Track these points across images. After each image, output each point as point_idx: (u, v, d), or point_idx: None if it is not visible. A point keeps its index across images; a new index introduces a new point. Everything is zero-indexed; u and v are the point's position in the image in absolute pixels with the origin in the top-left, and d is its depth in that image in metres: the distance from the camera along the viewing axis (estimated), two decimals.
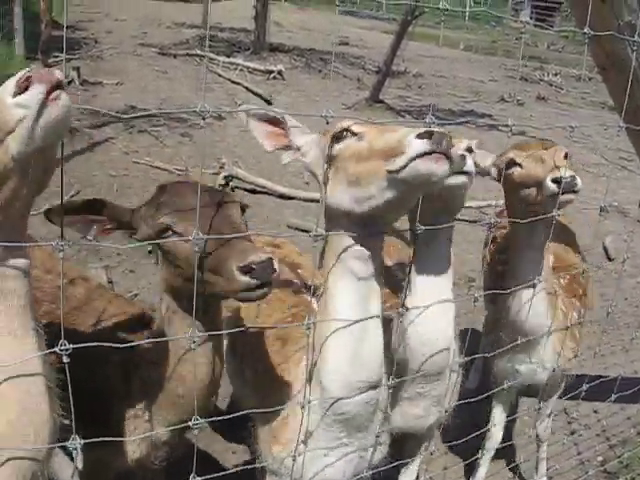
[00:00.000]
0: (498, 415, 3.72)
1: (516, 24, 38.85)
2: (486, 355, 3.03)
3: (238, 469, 2.32)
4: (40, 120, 1.43)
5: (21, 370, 1.62)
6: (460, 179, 2.37)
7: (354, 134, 1.96)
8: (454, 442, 3.05)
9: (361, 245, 1.99)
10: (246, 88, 14.81)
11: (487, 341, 3.65)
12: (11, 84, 1.42)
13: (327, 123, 1.94)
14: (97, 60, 16.12)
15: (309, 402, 2.12)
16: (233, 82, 15.21)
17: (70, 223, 2.02)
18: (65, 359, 1.63)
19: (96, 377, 2.36)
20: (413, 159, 1.71)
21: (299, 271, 3.08)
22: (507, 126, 2.33)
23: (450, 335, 2.58)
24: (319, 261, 2.17)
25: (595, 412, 4.89)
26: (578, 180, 2.66)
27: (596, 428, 4.73)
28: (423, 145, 1.71)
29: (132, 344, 2.07)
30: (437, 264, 2.52)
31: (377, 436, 2.30)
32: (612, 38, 2.68)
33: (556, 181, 2.65)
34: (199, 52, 18.07)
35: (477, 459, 3.73)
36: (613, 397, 3.57)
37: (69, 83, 12.84)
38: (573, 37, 37.70)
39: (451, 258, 2.56)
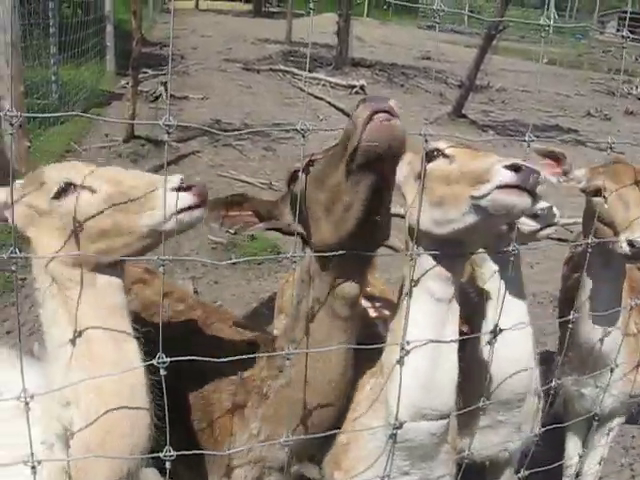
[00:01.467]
0: (572, 445, 3.54)
1: (602, 37, 37.98)
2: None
3: None
4: (178, 215, 1.71)
5: (125, 372, 1.77)
6: (547, 231, 2.47)
7: (445, 156, 1.95)
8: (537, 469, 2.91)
9: (441, 266, 1.97)
10: (328, 103, 14.89)
11: (557, 361, 3.51)
12: (175, 180, 1.73)
13: (426, 141, 1.92)
14: (183, 76, 16.51)
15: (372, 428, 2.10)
16: (316, 97, 15.32)
17: (217, 218, 2.13)
18: (162, 372, 1.71)
19: (207, 395, 2.35)
20: (496, 188, 1.71)
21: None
22: (606, 144, 2.29)
23: (530, 361, 2.50)
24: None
25: None
26: None
27: None
28: (509, 176, 1.70)
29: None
30: (516, 287, 2.47)
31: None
32: None
33: (631, 244, 2.52)
34: (282, 67, 18.30)
35: None
36: None
37: (157, 98, 13.20)
38: None
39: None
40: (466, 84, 15.00)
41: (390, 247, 4.55)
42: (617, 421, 3.42)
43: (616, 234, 2.59)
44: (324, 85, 16.56)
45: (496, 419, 2.61)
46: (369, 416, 2.14)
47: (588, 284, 2.85)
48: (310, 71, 18.00)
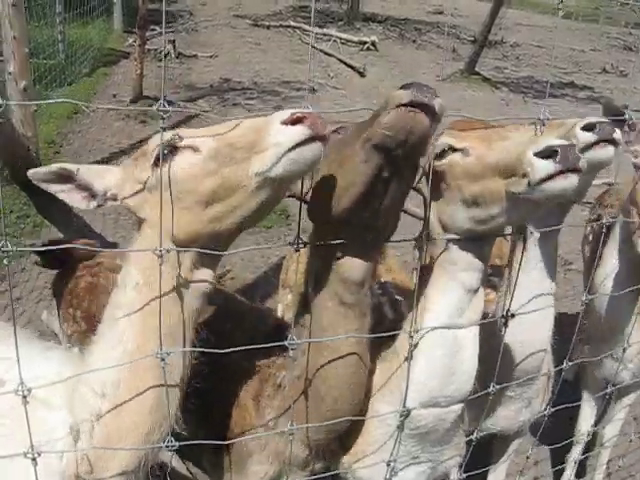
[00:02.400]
0: (587, 411, 3.52)
1: None
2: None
3: (312, 478, 2.20)
4: (290, 154, 1.51)
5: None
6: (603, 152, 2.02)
7: (456, 150, 1.83)
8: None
9: (473, 256, 1.88)
10: (339, 60, 14.68)
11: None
12: (284, 114, 1.53)
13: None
14: (192, 33, 16.29)
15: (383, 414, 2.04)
16: (326, 54, 15.11)
17: None
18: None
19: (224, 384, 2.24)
20: (540, 182, 1.59)
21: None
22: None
23: (548, 341, 2.41)
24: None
25: None
26: None
27: None
28: (549, 166, 1.57)
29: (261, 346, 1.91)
30: (546, 265, 2.31)
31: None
32: None
33: None
34: (292, 23, 18.02)
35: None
36: None
37: (165, 56, 13.04)
38: None
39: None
40: (479, 39, 14.72)
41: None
42: (634, 395, 3.43)
43: None
44: (335, 41, 16.30)
45: (506, 394, 2.55)
46: (379, 400, 2.07)
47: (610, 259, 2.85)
48: (321, 27, 17.71)
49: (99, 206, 1.71)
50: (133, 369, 1.66)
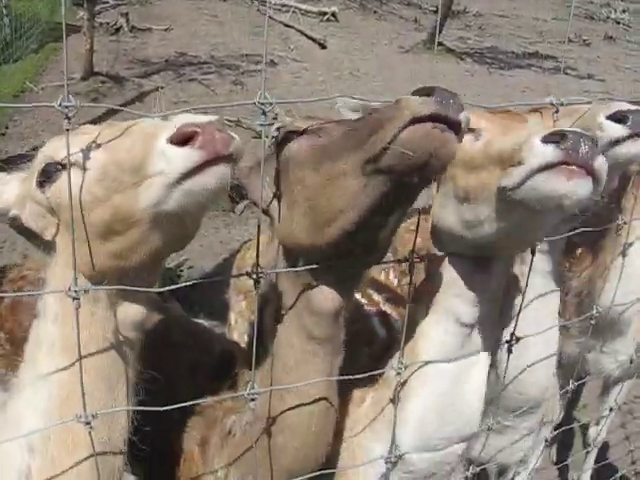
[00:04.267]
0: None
1: None
2: None
3: None
4: (182, 185, 1.13)
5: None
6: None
7: (471, 130, 1.42)
8: None
9: (470, 282, 1.54)
10: (299, 31, 14.28)
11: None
12: (173, 126, 1.14)
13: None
14: (146, 5, 15.70)
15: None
16: (286, 25, 14.68)
17: None
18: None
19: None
20: (534, 173, 1.23)
21: None
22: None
23: (552, 370, 2.09)
24: None
25: None
26: None
27: None
28: (550, 153, 1.21)
29: None
30: (548, 282, 1.96)
31: None
32: None
33: None
34: None
35: None
36: None
37: (117, 30, 12.54)
38: None
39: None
40: (442, 9, 14.39)
41: None
42: (623, 384, 3.21)
43: None
44: (294, 12, 15.84)
45: (503, 424, 2.22)
46: (368, 438, 1.74)
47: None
48: None
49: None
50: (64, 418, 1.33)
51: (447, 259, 1.57)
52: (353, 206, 1.29)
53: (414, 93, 1.20)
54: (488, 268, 1.54)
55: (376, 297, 2.26)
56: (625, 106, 1.54)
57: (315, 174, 1.34)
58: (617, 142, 1.56)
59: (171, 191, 1.13)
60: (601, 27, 19.40)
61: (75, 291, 1.22)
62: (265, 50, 1.41)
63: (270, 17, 15.13)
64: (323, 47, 13.42)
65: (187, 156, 1.11)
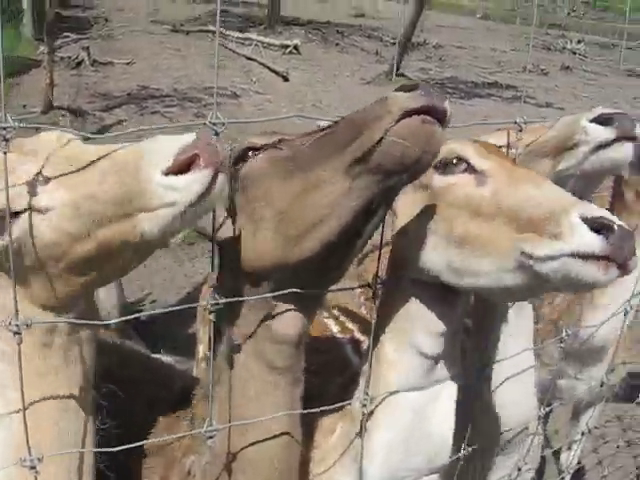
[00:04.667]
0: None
1: None
2: None
3: None
4: (192, 208, 1.11)
5: None
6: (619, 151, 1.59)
7: (474, 171, 1.38)
8: None
9: (436, 314, 1.48)
10: (261, 64, 14.35)
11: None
12: (164, 156, 1.10)
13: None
14: (108, 40, 15.69)
15: None
16: (248, 58, 14.75)
17: None
18: None
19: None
20: (571, 256, 1.16)
21: None
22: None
23: (531, 409, 2.00)
24: None
25: None
26: None
27: None
28: (597, 244, 1.14)
29: None
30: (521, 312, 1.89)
31: None
32: None
33: None
34: (212, 28, 17.58)
35: None
36: None
37: (79, 64, 12.50)
38: (594, 3, 36.77)
39: None
40: (402, 41, 14.59)
41: None
42: (593, 408, 3.22)
43: None
44: (256, 45, 15.94)
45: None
46: (338, 472, 1.65)
47: None
48: (242, 31, 17.32)
49: None
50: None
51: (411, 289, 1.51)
52: (336, 214, 1.24)
53: (397, 90, 1.18)
54: (455, 301, 1.50)
55: (350, 325, 2.21)
56: (609, 110, 1.50)
57: (286, 186, 1.29)
58: (602, 146, 1.51)
59: (183, 216, 1.11)
60: (558, 57, 19.79)
61: (16, 325, 1.15)
62: (216, 70, 1.37)
63: (232, 50, 15.20)
64: (286, 79, 13.47)
65: (200, 180, 1.09)
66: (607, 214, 1.17)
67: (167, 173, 1.09)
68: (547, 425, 3.74)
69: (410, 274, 1.49)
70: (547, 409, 2.11)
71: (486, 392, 1.86)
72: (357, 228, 1.29)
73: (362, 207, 1.23)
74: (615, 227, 1.14)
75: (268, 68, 14.11)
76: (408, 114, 1.15)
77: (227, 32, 16.72)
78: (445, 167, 1.41)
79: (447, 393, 1.58)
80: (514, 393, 1.91)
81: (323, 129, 1.31)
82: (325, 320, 2.22)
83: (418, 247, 1.42)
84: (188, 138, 1.10)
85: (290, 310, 1.39)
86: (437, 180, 1.41)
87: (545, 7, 34.79)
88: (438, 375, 1.56)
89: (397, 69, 14.27)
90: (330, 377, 1.76)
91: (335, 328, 2.18)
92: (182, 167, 1.08)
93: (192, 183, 1.08)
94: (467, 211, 1.34)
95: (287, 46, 16.25)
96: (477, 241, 1.30)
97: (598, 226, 1.14)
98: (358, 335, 2.15)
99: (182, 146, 1.09)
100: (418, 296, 1.49)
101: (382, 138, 1.16)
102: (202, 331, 2.72)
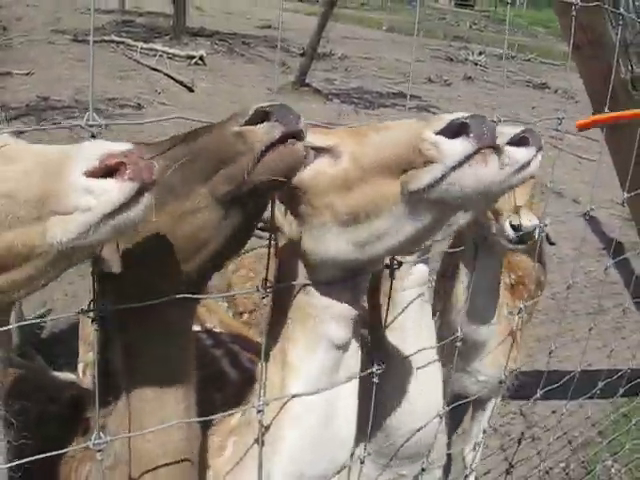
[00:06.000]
0: None
1: (437, 4, 39.00)
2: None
3: None
4: (110, 221, 1.00)
5: None
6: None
7: (322, 150, 1.33)
8: None
9: (346, 302, 1.46)
10: (167, 75, 14.17)
11: None
12: (89, 157, 0.99)
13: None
14: (6, 49, 15.19)
15: None
16: (153, 69, 14.54)
17: None
18: None
19: None
20: (451, 170, 1.13)
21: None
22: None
23: (437, 400, 2.01)
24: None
25: (553, 412, 4.60)
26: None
27: (556, 430, 4.44)
28: (462, 148, 1.12)
29: None
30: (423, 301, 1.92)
31: None
32: (591, 10, 2.29)
33: (515, 228, 2.40)
34: (115, 38, 17.26)
35: None
36: (570, 394, 3.22)
37: None
38: (494, 16, 38.12)
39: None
40: (309, 52, 14.70)
41: None
42: (491, 405, 3.30)
43: (498, 220, 2.42)
44: (161, 56, 15.72)
45: (399, 473, 2.11)
46: None
47: (466, 276, 2.71)
48: (146, 42, 17.08)
49: None
50: None
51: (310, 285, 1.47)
52: (216, 235, 1.25)
53: (248, 122, 1.18)
54: (358, 285, 1.49)
55: (224, 337, 2.18)
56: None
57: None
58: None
59: (98, 226, 1.00)
60: (460, 68, 20.37)
61: None
62: (91, 72, 1.32)
63: (137, 61, 14.97)
64: (191, 90, 13.36)
65: (121, 190, 0.99)
66: (453, 116, 1.15)
67: (88, 175, 0.99)
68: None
69: (320, 276, 1.46)
70: (451, 406, 2.15)
71: (389, 384, 1.86)
72: (238, 238, 1.32)
73: (238, 225, 1.26)
74: (467, 121, 1.12)
75: (173, 79, 13.93)
76: (271, 146, 1.16)
77: (132, 42, 16.47)
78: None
79: (349, 390, 1.56)
80: (419, 383, 1.92)
81: (175, 144, 1.27)
82: (199, 334, 2.16)
83: (318, 245, 1.39)
84: (121, 147, 1.02)
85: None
86: (300, 179, 1.34)
87: (448, 20, 35.82)
88: (345, 369, 1.53)
89: (303, 79, 14.40)
90: (209, 395, 1.70)
91: (209, 341, 2.13)
92: (106, 173, 0.99)
93: (111, 190, 0.98)
94: (340, 189, 1.31)
95: (192, 57, 16.08)
96: (366, 208, 1.27)
97: (455, 130, 1.13)
98: (234, 346, 2.12)
99: (111, 152, 1.00)
100: (321, 288, 1.46)
101: (249, 173, 1.17)
102: (81, 350, 2.60)
